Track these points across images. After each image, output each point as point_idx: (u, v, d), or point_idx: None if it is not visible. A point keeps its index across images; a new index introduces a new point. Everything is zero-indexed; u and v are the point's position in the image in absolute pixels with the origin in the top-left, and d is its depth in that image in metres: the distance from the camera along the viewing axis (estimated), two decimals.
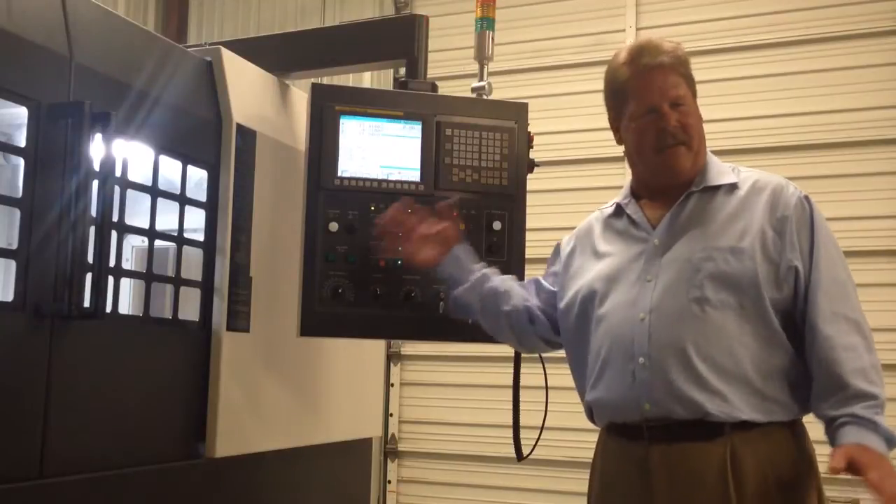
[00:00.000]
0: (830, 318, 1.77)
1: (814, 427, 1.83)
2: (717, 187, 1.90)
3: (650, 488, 1.79)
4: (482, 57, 2.50)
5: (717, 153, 1.98)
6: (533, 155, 2.41)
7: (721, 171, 1.93)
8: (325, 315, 2.20)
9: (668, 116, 1.87)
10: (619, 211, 2.02)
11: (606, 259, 1.97)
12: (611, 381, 1.86)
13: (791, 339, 1.81)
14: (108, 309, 1.84)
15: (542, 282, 2.16)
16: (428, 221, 2.13)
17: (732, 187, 1.89)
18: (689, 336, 1.78)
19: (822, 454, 1.79)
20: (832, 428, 1.74)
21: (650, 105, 1.89)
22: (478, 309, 2.11)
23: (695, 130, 1.90)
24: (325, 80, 2.79)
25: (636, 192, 2.01)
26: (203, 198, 2.16)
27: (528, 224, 2.32)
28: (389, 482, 5.04)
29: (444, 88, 2.54)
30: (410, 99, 2.34)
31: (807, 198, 1.87)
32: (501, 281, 2.12)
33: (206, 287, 2.14)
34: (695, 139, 1.90)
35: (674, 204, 1.91)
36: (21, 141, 1.70)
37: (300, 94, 2.54)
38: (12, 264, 1.67)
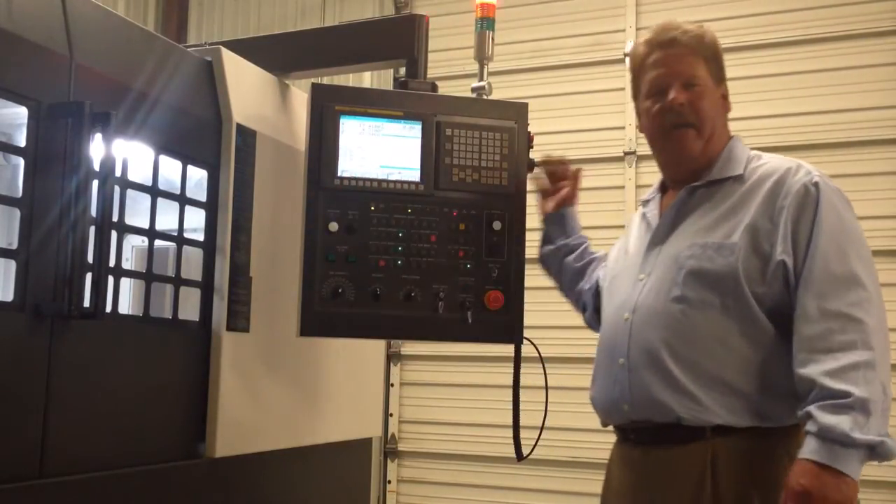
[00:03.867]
0: (816, 317, 1.62)
1: None
2: (724, 180, 1.80)
3: (634, 489, 1.78)
4: (482, 57, 2.50)
5: None
6: (533, 155, 2.41)
7: (735, 161, 1.81)
8: (325, 315, 2.20)
9: (676, 95, 1.78)
10: (645, 205, 2.02)
11: (619, 256, 1.98)
12: (600, 382, 1.86)
13: (784, 335, 1.69)
14: (108, 309, 1.84)
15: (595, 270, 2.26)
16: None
17: (738, 179, 1.78)
18: (664, 337, 1.71)
19: None
20: None
21: (660, 83, 1.81)
22: (555, 275, 2.36)
23: (706, 114, 1.80)
24: (325, 80, 2.79)
25: (664, 185, 1.95)
26: (203, 198, 2.16)
27: (528, 224, 2.32)
28: (389, 482, 5.04)
29: (444, 88, 2.54)
30: (410, 99, 2.33)
31: (816, 183, 1.71)
32: (578, 258, 2.29)
33: (206, 287, 2.14)
34: (706, 123, 1.80)
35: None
36: (21, 141, 1.70)
37: (300, 94, 2.53)
38: (12, 264, 1.67)
